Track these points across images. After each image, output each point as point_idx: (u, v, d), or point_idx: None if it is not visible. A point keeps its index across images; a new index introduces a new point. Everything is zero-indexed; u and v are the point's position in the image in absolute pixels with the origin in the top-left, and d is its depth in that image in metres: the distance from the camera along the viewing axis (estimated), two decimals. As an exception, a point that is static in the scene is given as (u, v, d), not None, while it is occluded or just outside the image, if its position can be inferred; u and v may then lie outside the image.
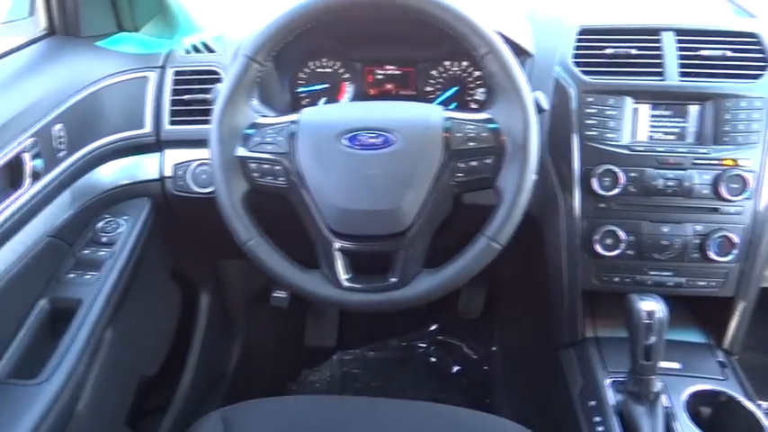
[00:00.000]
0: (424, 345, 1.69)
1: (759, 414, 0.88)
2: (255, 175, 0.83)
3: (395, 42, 1.12)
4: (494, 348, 1.62)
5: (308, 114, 0.85)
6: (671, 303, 1.04)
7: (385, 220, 0.80)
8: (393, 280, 0.82)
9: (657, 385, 0.86)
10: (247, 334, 1.52)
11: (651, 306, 0.84)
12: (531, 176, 0.80)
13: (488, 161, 0.80)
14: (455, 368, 1.64)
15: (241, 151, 0.83)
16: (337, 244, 0.82)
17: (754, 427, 0.88)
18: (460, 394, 1.57)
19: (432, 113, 0.83)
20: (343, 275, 0.83)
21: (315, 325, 1.70)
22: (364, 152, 0.80)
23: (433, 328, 1.71)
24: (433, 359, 1.67)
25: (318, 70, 1.16)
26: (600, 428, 0.88)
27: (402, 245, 0.81)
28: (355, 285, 0.83)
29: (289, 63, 1.13)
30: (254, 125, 0.85)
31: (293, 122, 0.84)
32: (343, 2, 0.81)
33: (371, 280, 0.83)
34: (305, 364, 1.66)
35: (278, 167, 0.83)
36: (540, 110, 0.86)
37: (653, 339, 0.84)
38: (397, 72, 1.16)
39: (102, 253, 0.99)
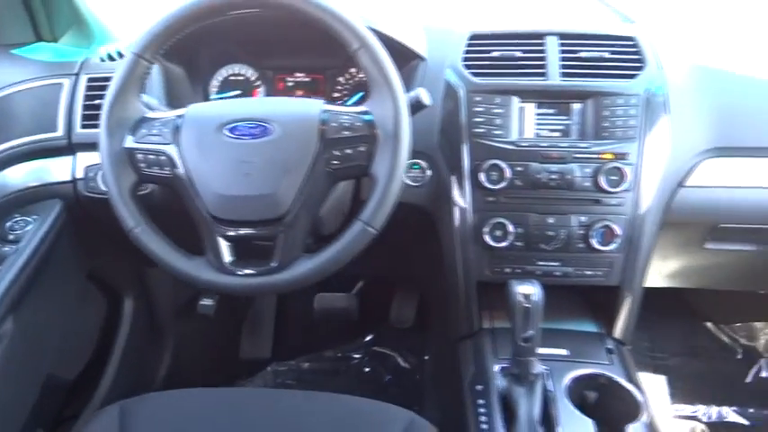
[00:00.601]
0: (359, 356, 1.70)
1: (636, 392, 0.91)
2: (142, 165, 0.87)
3: (304, 50, 1.17)
4: (426, 357, 1.64)
5: (193, 108, 0.89)
6: (565, 294, 1.09)
7: (262, 205, 0.83)
8: (273, 264, 0.85)
9: (537, 367, 0.90)
10: (178, 344, 1.53)
11: (528, 290, 0.88)
12: (403, 163, 0.84)
13: (362, 149, 0.84)
14: (387, 377, 1.65)
15: (129, 142, 0.87)
16: (219, 229, 0.85)
17: (633, 407, 0.91)
18: (391, 402, 1.58)
19: (310, 107, 0.88)
20: (226, 260, 0.86)
21: (250, 337, 1.71)
22: (243, 141, 0.84)
23: (367, 338, 1.73)
24: (367, 369, 1.68)
25: (231, 78, 1.21)
26: (482, 410, 0.91)
27: (281, 229, 0.84)
28: (236, 270, 0.86)
29: (201, 70, 1.18)
30: (143, 119, 0.89)
31: (179, 116, 0.88)
32: (222, 3, 0.85)
33: (253, 265, 0.86)
34: (239, 376, 1.67)
35: (163, 158, 0.86)
36: (421, 105, 0.91)
37: (530, 322, 0.87)
38: (307, 79, 1.21)
39: (6, 249, 1.01)
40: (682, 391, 1.54)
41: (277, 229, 0.84)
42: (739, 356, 1.61)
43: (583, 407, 0.91)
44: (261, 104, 0.90)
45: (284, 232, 0.85)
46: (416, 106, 0.91)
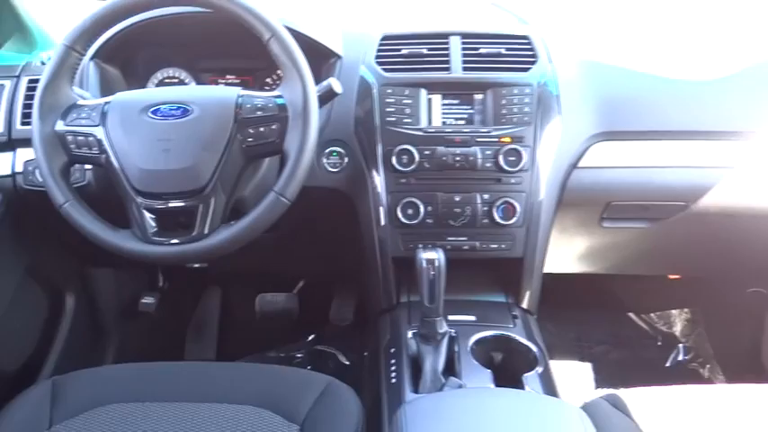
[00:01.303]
0: (301, 355, 1.76)
1: (533, 348, 1.00)
2: (73, 146, 0.95)
3: (235, 53, 1.27)
4: (365, 354, 1.70)
5: (120, 94, 0.98)
6: (475, 269, 1.18)
7: (181, 178, 0.92)
8: (194, 233, 0.93)
9: (443, 327, 0.98)
10: (121, 345, 1.56)
11: (431, 255, 0.97)
12: (312, 140, 0.93)
13: (274, 127, 0.93)
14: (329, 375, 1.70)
15: (59, 126, 0.95)
16: (143, 202, 0.93)
17: (531, 361, 0.99)
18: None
19: (228, 91, 0.97)
20: (150, 231, 0.93)
21: (194, 339, 1.76)
22: (164, 121, 0.93)
23: (310, 338, 1.79)
24: (310, 368, 1.73)
25: (166, 80, 1.29)
26: (393, 368, 0.99)
27: (200, 201, 0.92)
28: (159, 239, 0.93)
29: (137, 73, 1.27)
30: (73, 106, 0.97)
31: (107, 102, 0.96)
32: (139, 1, 0.94)
33: (175, 235, 0.94)
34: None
35: (91, 138, 0.94)
36: (334, 93, 1.01)
37: (435, 285, 0.96)
38: (237, 81, 1.30)
39: None
40: (606, 377, 1.63)
41: (197, 201, 0.92)
42: (659, 343, 1.72)
43: (489, 367, 0.99)
44: (183, 90, 0.98)
45: (204, 204, 0.92)
46: (329, 94, 1.01)
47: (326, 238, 1.38)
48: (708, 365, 1.63)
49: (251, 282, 1.78)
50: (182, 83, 1.29)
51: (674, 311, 1.73)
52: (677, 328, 1.72)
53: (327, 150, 1.14)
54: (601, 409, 0.88)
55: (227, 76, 1.30)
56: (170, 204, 0.93)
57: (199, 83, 1.30)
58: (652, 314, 1.76)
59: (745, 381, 0.92)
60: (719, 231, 1.26)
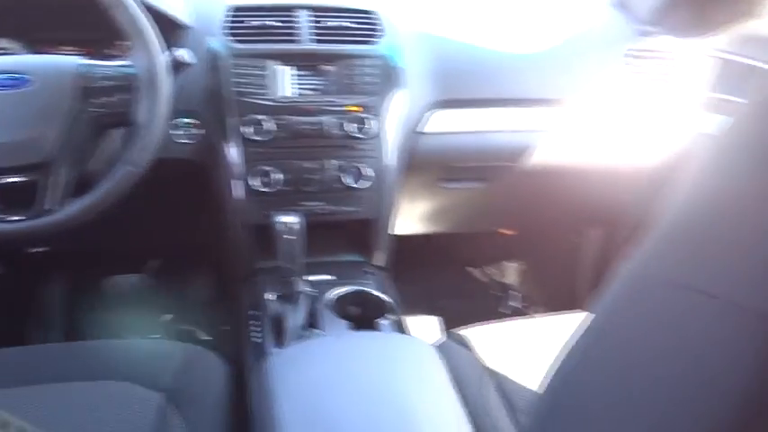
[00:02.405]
0: (159, 336, 1.73)
1: (386, 299, 1.09)
2: None
3: (72, 24, 1.20)
4: (227, 328, 1.71)
5: None
6: (331, 232, 1.24)
7: (20, 151, 0.88)
8: (40, 208, 0.89)
9: (302, 286, 1.03)
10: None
11: (288, 218, 1.01)
12: (162, 109, 0.93)
13: (122, 98, 0.92)
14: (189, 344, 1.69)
15: None
16: (-19, 179, 0.87)
17: (385, 309, 1.08)
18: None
19: (68, 60, 0.93)
20: (-8, 209, 0.88)
21: (37, 325, 1.65)
22: (1, 92, 0.88)
23: (168, 318, 1.76)
24: (168, 345, 1.71)
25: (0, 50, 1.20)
26: (256, 329, 1.03)
27: (40, 175, 0.89)
28: (3, 217, 0.88)
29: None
30: None
31: None
32: None
33: (21, 212, 0.89)
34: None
35: None
36: (184, 63, 1.01)
37: (293, 246, 1.01)
38: (76, 52, 1.23)
39: None
40: (451, 326, 1.77)
41: (37, 175, 0.89)
42: (496, 292, 1.91)
43: (347, 320, 1.06)
44: (19, 59, 0.93)
45: (46, 177, 0.89)
46: (179, 64, 1.01)
47: (181, 212, 1.37)
48: (537, 308, 1.85)
49: (101, 264, 1.70)
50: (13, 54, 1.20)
51: (508, 263, 1.93)
52: (511, 278, 1.92)
53: (178, 121, 1.14)
54: (447, 345, 0.99)
55: (67, 48, 1.23)
56: (7, 179, 0.88)
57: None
58: (490, 267, 1.94)
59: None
60: (542, 188, 1.43)
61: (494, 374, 0.96)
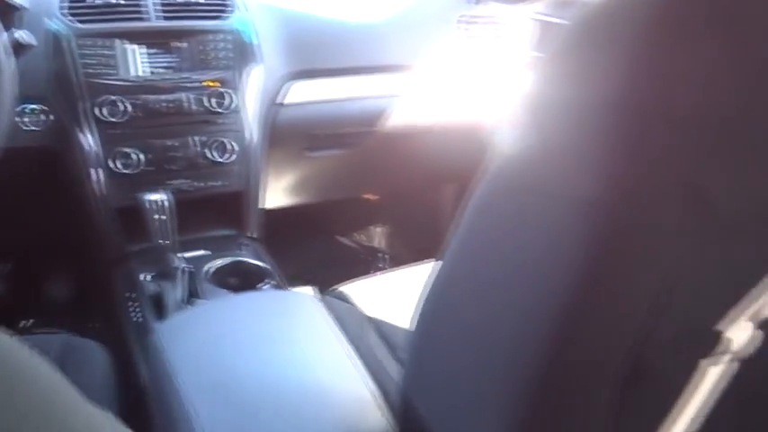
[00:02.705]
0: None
1: (263, 265, 1.13)
2: None
3: None
4: (96, 324, 1.64)
5: None
6: (203, 209, 1.25)
7: None
8: None
9: (177, 261, 1.04)
10: None
11: (156, 196, 1.02)
12: (6, 96, 0.88)
13: None
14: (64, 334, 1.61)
15: None
16: None
17: (263, 275, 1.12)
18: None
19: None
20: None
21: None
22: None
23: (28, 323, 1.66)
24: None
25: None
26: (136, 310, 1.02)
27: None
28: None
29: None
30: None
31: None
32: None
33: None
34: None
35: None
36: (24, 45, 0.96)
37: (166, 223, 1.01)
38: None
39: None
40: (328, 294, 1.84)
41: None
42: (366, 257, 2.00)
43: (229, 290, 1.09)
44: None
45: None
46: (19, 45, 0.96)
47: (40, 203, 1.30)
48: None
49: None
50: None
51: (374, 228, 2.02)
52: (378, 242, 2.02)
53: (25, 108, 1.08)
54: (326, 300, 1.05)
55: None
56: None
57: None
58: (358, 234, 2.03)
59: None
60: (399, 151, 1.53)
61: (372, 320, 1.03)
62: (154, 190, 1.13)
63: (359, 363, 0.79)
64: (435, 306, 0.59)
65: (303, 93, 1.30)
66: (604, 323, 0.48)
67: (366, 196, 1.84)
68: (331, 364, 0.79)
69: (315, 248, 1.93)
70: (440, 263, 0.59)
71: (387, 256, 2.00)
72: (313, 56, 1.31)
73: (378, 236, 2.03)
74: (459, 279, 0.57)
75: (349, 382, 0.74)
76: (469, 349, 0.57)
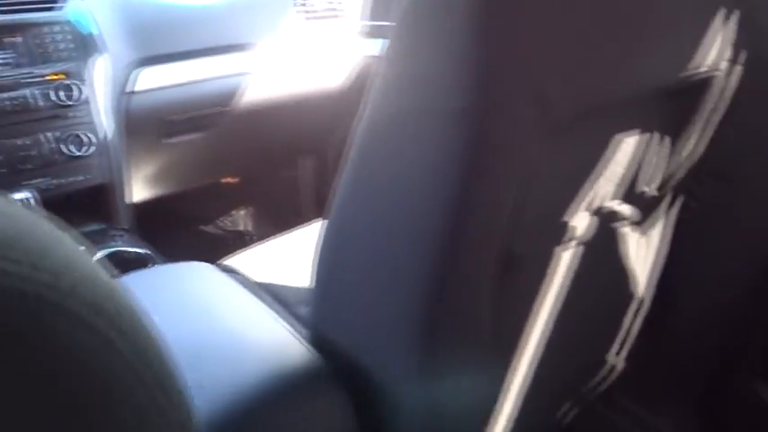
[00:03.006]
0: None
1: (143, 251, 1.14)
2: None
3: None
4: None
5: None
6: (70, 204, 1.21)
7: None
8: None
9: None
10: None
11: (20, 195, 0.98)
12: None
13: None
14: None
15: None
16: None
17: (147, 261, 1.13)
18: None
19: None
20: None
21: None
22: None
23: None
24: None
25: None
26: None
27: None
28: None
29: None
30: None
31: None
32: None
33: None
34: None
35: None
36: None
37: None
38: None
39: None
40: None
41: None
42: (234, 242, 2.01)
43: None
44: None
45: None
46: None
47: None
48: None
49: None
50: None
51: (238, 212, 2.04)
52: (245, 224, 2.05)
53: None
54: (219, 270, 1.09)
55: None
56: None
57: None
58: (223, 220, 2.03)
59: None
60: (254, 129, 1.57)
61: (262, 285, 1.09)
62: (15, 191, 1.09)
63: (269, 310, 0.85)
64: (334, 242, 0.66)
65: (153, 79, 1.30)
66: (482, 213, 0.59)
67: (226, 180, 1.85)
68: (243, 316, 0.84)
69: (181, 240, 1.91)
70: (327, 219, 0.65)
71: (255, 238, 2.03)
72: (157, 41, 1.31)
73: (242, 219, 2.05)
74: (353, 213, 0.64)
75: (264, 327, 0.80)
76: (371, 271, 0.65)
